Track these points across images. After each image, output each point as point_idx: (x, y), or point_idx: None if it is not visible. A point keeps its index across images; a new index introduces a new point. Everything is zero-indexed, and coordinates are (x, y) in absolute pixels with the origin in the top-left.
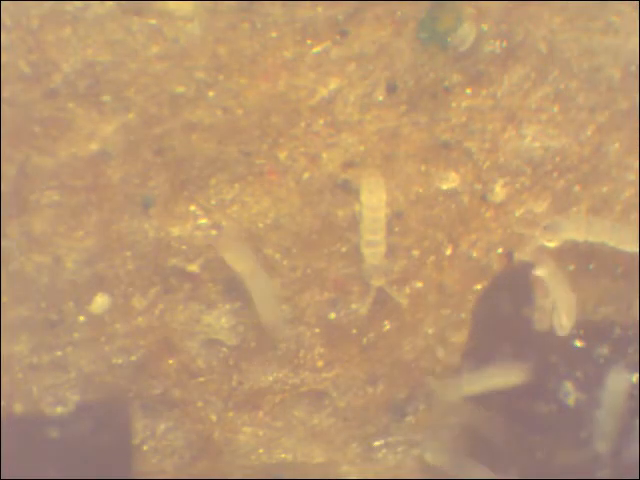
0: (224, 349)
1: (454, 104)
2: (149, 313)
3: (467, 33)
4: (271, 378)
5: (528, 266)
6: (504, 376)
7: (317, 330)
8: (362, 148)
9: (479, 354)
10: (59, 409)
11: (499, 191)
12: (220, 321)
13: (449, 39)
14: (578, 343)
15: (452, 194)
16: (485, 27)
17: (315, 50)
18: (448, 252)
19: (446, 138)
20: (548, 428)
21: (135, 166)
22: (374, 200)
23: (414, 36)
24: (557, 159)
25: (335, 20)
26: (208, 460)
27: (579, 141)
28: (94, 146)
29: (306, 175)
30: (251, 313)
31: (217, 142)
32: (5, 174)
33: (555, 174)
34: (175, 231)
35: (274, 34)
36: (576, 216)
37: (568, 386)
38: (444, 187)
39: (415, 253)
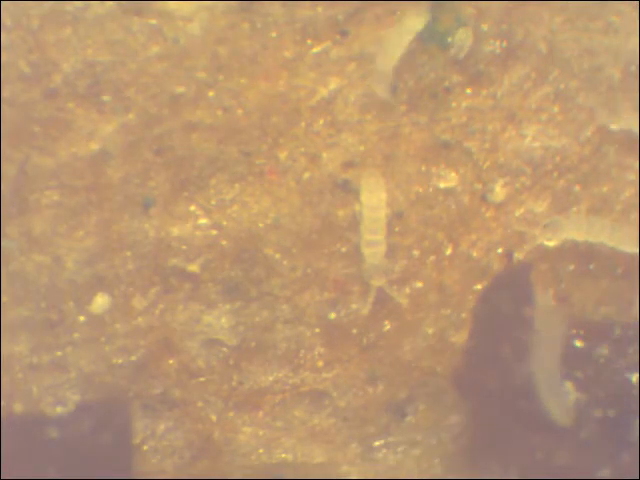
0: (224, 349)
1: (454, 104)
2: (149, 313)
3: (464, 39)
4: (271, 378)
5: (528, 266)
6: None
7: (317, 330)
8: (362, 148)
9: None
10: (59, 409)
11: (499, 191)
12: (220, 321)
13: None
14: (578, 343)
15: (452, 194)
16: (485, 27)
17: (315, 50)
18: (448, 252)
19: (446, 138)
20: (548, 428)
21: (135, 166)
22: (374, 200)
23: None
24: (557, 159)
25: (335, 20)
26: (208, 460)
27: (579, 141)
28: (94, 146)
29: (306, 175)
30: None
31: (217, 142)
32: (5, 174)
33: (555, 174)
34: (175, 231)
35: (274, 34)
36: (576, 216)
37: (568, 386)
38: (444, 187)
39: (415, 253)
